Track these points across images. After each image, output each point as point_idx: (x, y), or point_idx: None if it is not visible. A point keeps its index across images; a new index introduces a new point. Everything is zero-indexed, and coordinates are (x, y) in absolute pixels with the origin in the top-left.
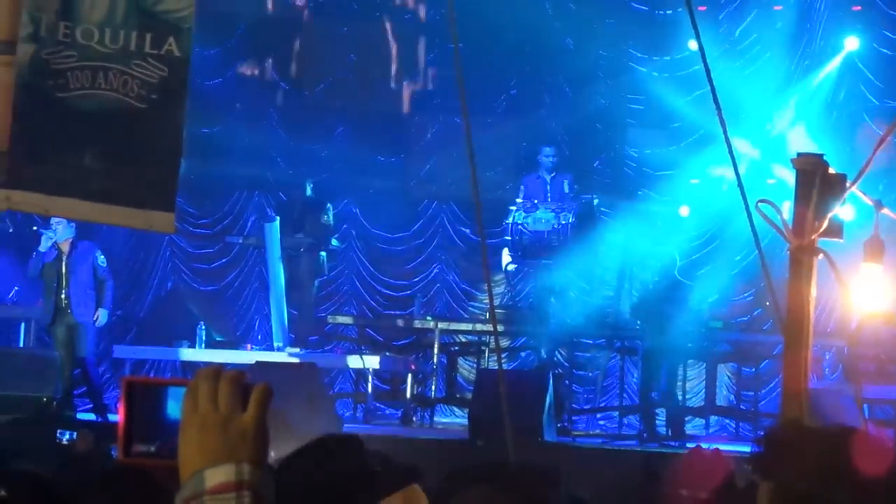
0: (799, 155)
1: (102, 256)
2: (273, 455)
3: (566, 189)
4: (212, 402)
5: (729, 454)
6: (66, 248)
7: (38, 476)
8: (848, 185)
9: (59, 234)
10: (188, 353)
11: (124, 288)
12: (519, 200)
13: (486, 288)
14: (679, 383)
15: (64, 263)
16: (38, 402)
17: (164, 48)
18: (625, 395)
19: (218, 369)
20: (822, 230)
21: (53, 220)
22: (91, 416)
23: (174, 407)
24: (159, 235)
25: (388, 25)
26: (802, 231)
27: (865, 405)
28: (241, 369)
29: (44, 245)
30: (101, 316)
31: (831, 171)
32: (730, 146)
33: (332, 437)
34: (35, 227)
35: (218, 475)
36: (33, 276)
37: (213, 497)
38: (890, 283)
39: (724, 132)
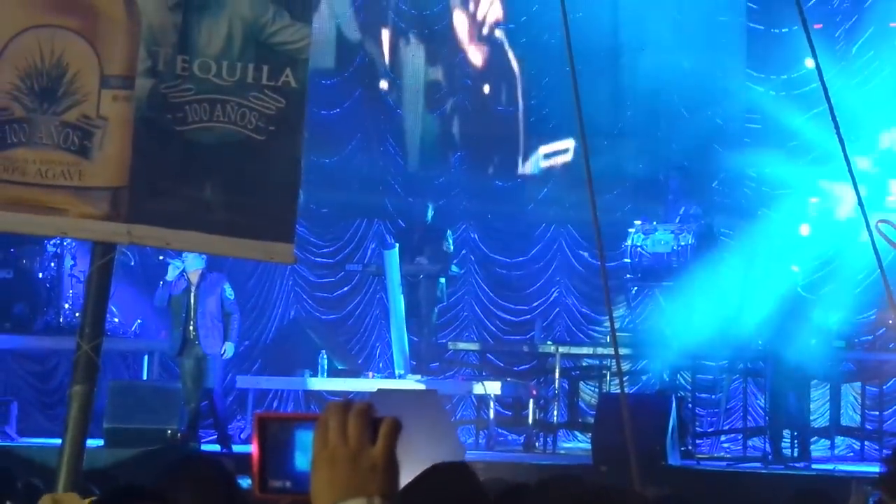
0: None
1: (230, 289)
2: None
3: (689, 212)
4: (341, 437)
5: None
6: (195, 278)
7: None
8: None
9: (188, 263)
10: (311, 383)
11: (249, 318)
12: (637, 222)
13: (607, 311)
14: (805, 404)
15: (192, 294)
16: (164, 435)
17: (282, 80)
18: (748, 417)
19: (347, 403)
20: None
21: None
22: (216, 448)
23: (305, 441)
24: (282, 265)
25: (506, 48)
26: None
27: None
28: (368, 401)
29: (171, 274)
30: (228, 349)
31: None
32: (849, 164)
33: (445, 465)
34: (162, 257)
35: None
36: (160, 305)
37: None
38: None
39: (843, 150)
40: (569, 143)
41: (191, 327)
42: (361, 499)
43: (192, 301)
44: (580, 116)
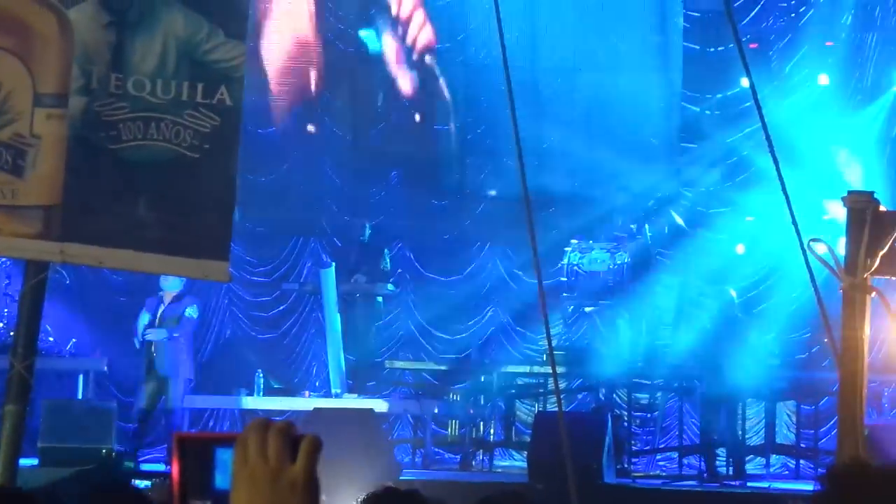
0: (849, 193)
1: (193, 310)
2: None
3: (616, 228)
4: (261, 455)
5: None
6: (167, 299)
7: None
8: None
9: (166, 284)
10: (247, 402)
11: None
12: (574, 241)
13: (544, 330)
14: (739, 422)
15: (158, 316)
16: (98, 454)
17: (216, 97)
18: (684, 435)
19: (266, 421)
20: (874, 268)
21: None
22: (162, 467)
23: (226, 461)
24: (218, 284)
25: (436, 73)
26: (854, 269)
27: None
28: (290, 420)
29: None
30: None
31: (882, 208)
32: (783, 183)
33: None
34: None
35: None
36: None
37: None
38: None
39: (777, 169)
40: None
41: (152, 349)
42: None
43: (157, 322)
44: (517, 135)
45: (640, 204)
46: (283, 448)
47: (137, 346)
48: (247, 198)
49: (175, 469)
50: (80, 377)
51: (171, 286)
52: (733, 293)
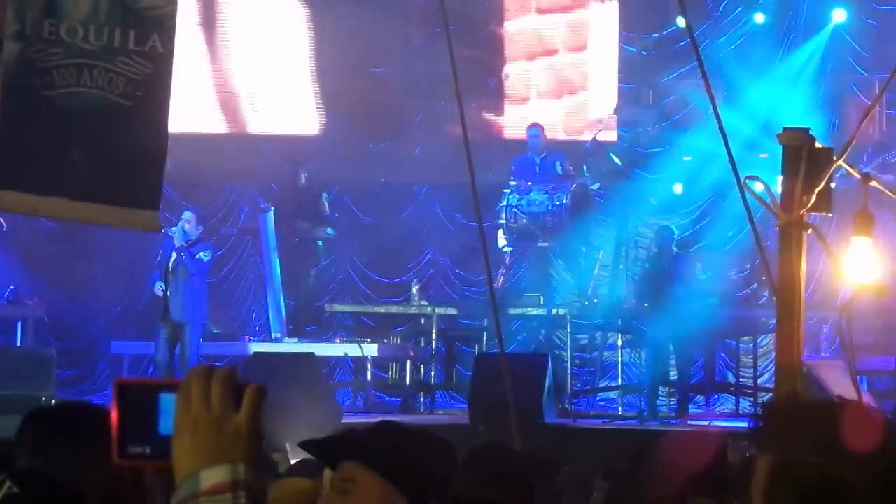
0: (784, 130)
1: (203, 253)
2: (288, 446)
3: (558, 170)
4: (204, 403)
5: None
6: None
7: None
8: (835, 158)
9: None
10: None
11: (122, 283)
12: (512, 182)
13: (486, 271)
14: (680, 361)
15: (171, 262)
16: (38, 401)
17: (148, 45)
18: (624, 375)
19: (209, 368)
20: (810, 204)
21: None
22: None
23: (167, 407)
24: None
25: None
26: (791, 206)
27: (865, 377)
28: (232, 366)
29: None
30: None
31: (818, 145)
32: (719, 121)
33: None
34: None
35: (213, 476)
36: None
37: (210, 498)
38: (880, 255)
39: (714, 107)
40: None
41: (167, 295)
42: (225, 465)
43: (170, 268)
44: (455, 76)
45: (577, 144)
46: (227, 396)
47: (160, 292)
48: (181, 144)
49: (114, 415)
50: (19, 325)
51: (184, 235)
52: (674, 229)
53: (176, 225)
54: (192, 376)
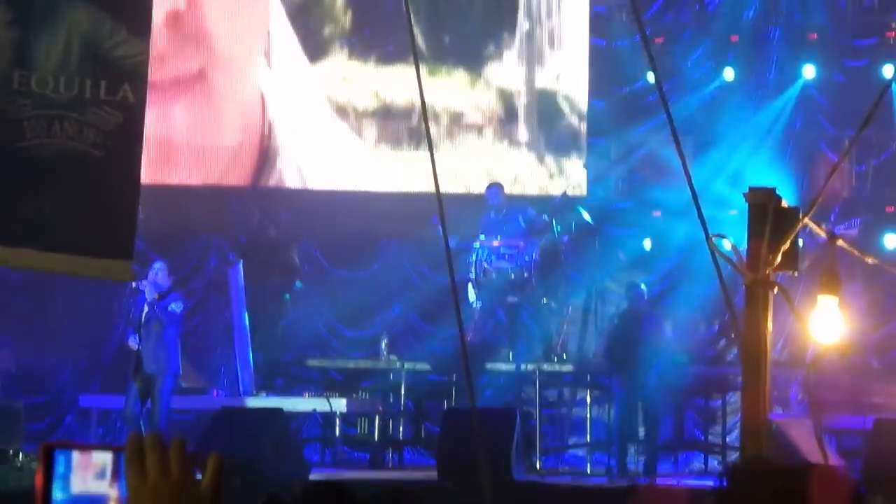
0: (750, 189)
1: (175, 304)
2: None
3: (522, 223)
4: (163, 471)
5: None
6: (151, 298)
7: None
8: (801, 217)
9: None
10: None
11: (89, 336)
12: (482, 237)
13: (458, 324)
14: (650, 419)
15: (144, 314)
16: (6, 456)
17: (119, 94)
18: (593, 431)
19: (160, 436)
20: (776, 264)
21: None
22: None
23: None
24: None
25: None
26: (757, 265)
27: (833, 435)
28: (182, 436)
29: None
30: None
31: (784, 204)
32: (689, 177)
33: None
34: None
35: None
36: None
37: None
38: (846, 314)
39: (683, 163)
40: None
41: (138, 349)
42: None
43: (142, 321)
44: (427, 125)
45: (547, 200)
46: (186, 464)
47: (134, 346)
48: (151, 196)
49: (38, 479)
50: None
51: (156, 287)
52: (643, 287)
53: (146, 278)
54: (146, 444)
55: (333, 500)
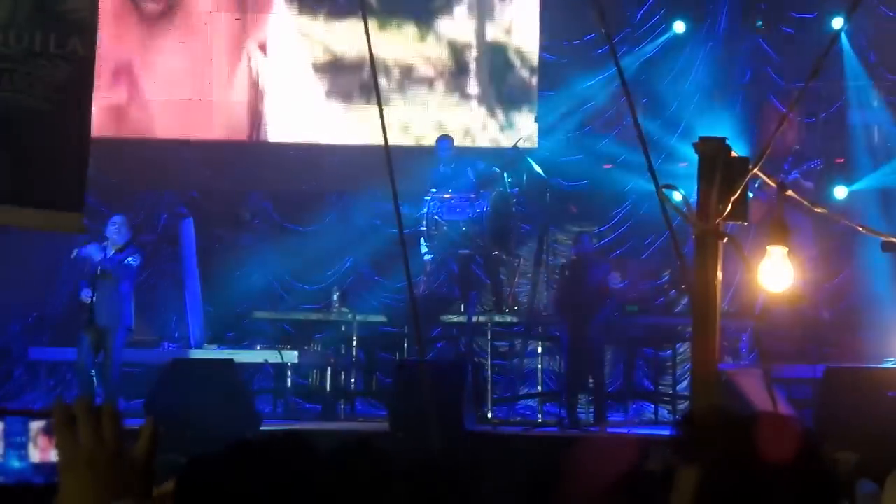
0: (700, 139)
1: (132, 258)
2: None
3: (472, 176)
4: (97, 438)
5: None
6: (111, 250)
7: None
8: (750, 167)
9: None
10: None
11: (38, 289)
12: (433, 190)
13: (406, 279)
14: (600, 369)
15: (98, 268)
16: None
17: (69, 48)
18: (544, 382)
19: (90, 402)
20: (726, 213)
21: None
22: None
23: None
24: (74, 235)
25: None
26: (707, 215)
27: (783, 385)
28: (113, 401)
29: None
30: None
31: (733, 154)
32: (639, 129)
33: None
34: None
35: None
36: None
37: None
38: (794, 263)
39: (633, 115)
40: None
41: (91, 301)
42: (129, 500)
43: (98, 273)
44: (375, 79)
45: (498, 152)
46: (119, 431)
47: (87, 300)
48: (102, 150)
49: None
50: None
51: (117, 239)
52: (591, 237)
53: (101, 231)
54: (76, 410)
55: (291, 451)
